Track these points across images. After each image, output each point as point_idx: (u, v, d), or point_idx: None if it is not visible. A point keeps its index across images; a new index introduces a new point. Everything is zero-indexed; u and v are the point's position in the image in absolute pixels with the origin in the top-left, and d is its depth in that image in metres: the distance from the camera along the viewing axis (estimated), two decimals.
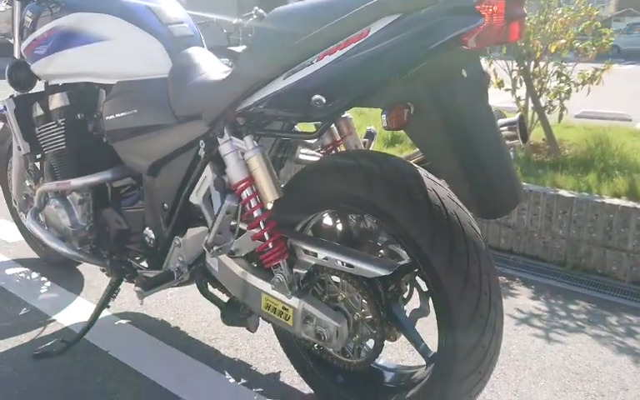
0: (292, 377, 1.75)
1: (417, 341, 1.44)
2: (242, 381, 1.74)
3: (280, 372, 1.79)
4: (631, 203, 2.74)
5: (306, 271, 1.40)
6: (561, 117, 3.74)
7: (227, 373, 1.77)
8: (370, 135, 1.70)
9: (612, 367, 1.93)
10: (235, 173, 1.37)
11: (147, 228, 1.72)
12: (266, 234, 1.39)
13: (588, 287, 2.60)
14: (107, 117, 1.71)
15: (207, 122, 1.41)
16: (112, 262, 1.82)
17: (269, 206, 1.39)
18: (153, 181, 1.65)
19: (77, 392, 1.64)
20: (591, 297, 2.50)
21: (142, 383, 1.70)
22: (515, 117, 1.40)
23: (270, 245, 1.39)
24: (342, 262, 1.33)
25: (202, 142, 1.46)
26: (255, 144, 1.35)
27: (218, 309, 2.10)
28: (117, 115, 1.68)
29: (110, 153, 1.78)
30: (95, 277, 2.42)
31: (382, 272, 1.27)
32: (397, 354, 1.89)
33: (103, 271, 1.93)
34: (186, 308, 2.19)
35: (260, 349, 1.92)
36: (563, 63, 3.69)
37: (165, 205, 1.64)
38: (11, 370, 1.74)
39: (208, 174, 1.48)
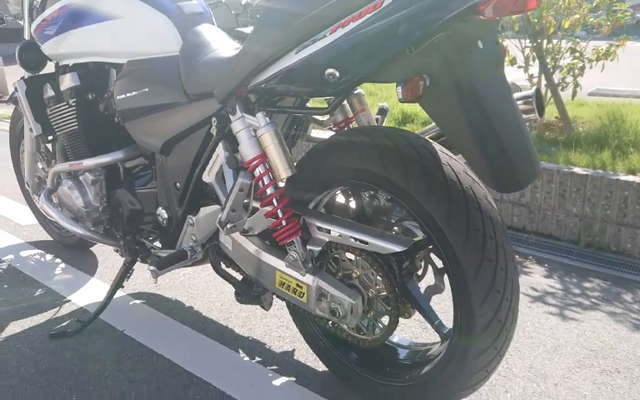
0: (306, 355, 1.76)
1: (431, 317, 1.43)
2: (257, 359, 1.74)
3: (294, 350, 1.80)
4: None
5: (320, 248, 1.39)
6: (574, 94, 3.69)
7: (241, 352, 1.78)
8: (383, 111, 1.68)
9: (628, 343, 1.92)
10: (247, 150, 1.36)
11: (160, 208, 1.72)
12: (279, 211, 1.38)
13: (602, 265, 2.58)
14: (118, 97, 1.70)
15: (218, 99, 1.40)
16: (126, 242, 1.83)
17: (282, 183, 1.38)
18: (166, 160, 1.65)
19: (93, 372, 1.66)
20: (605, 274, 2.48)
21: (158, 362, 1.71)
22: (531, 91, 1.37)
23: (283, 222, 1.39)
24: (356, 239, 1.32)
25: (214, 119, 1.45)
26: (267, 120, 1.33)
27: (231, 289, 2.12)
28: (128, 94, 1.67)
29: (122, 133, 1.77)
30: (108, 258, 2.44)
31: (396, 249, 1.26)
32: (410, 332, 1.89)
33: (117, 251, 1.94)
34: (199, 289, 2.19)
35: (274, 328, 1.92)
36: (577, 39, 3.62)
37: (177, 184, 1.64)
38: (27, 350, 1.76)
39: (220, 152, 1.47)
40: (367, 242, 1.30)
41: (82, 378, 1.63)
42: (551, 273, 2.50)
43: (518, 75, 4.08)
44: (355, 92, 1.59)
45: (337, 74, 1.15)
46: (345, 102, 1.61)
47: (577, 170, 2.85)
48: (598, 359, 1.82)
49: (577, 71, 3.59)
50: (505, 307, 1.24)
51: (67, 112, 1.83)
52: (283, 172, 1.33)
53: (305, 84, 1.24)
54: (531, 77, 3.80)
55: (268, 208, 1.41)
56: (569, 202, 2.82)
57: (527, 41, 3.69)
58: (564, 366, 1.77)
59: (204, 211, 1.61)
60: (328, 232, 1.37)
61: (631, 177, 2.75)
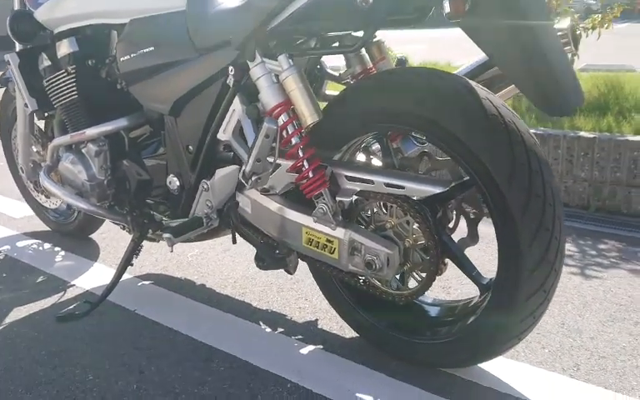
0: (330, 324, 1.67)
1: (469, 268, 1.36)
2: (279, 330, 1.65)
3: (317, 319, 1.71)
4: None
5: (350, 199, 1.31)
6: (572, 63, 3.65)
7: (261, 324, 1.69)
8: (402, 63, 1.61)
9: None
10: (270, 97, 1.28)
11: (170, 176, 1.62)
12: (305, 162, 1.30)
13: (615, 227, 2.54)
14: (121, 59, 1.60)
15: (235, 45, 1.31)
16: (134, 217, 1.72)
17: (307, 131, 1.30)
18: (176, 122, 1.55)
19: (108, 351, 1.55)
20: (619, 236, 2.44)
21: (175, 338, 1.61)
22: (566, 24, 1.31)
23: (310, 174, 1.30)
24: (391, 185, 1.24)
25: (230, 68, 1.36)
26: (290, 63, 1.25)
27: (244, 267, 2.04)
28: (132, 55, 1.57)
29: (125, 100, 1.67)
30: (110, 244, 2.33)
31: (437, 190, 1.19)
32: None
33: (123, 228, 1.83)
34: (209, 268, 2.10)
35: (292, 300, 1.83)
36: (572, 9, 3.59)
37: (190, 147, 1.54)
38: (35, 334, 1.65)
39: (237, 106, 1.38)
40: (403, 187, 1.23)
41: (96, 357, 1.52)
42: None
43: None
44: (374, 39, 1.51)
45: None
46: (363, 50, 1.53)
47: (583, 134, 2.81)
48: (629, 313, 1.76)
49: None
50: (554, 247, 1.17)
51: (66, 81, 1.72)
52: (310, 117, 1.25)
53: (333, 16, 1.16)
54: None
55: (290, 162, 1.32)
56: (577, 168, 2.78)
57: None
58: (597, 320, 1.71)
59: (220, 173, 1.51)
60: (360, 180, 1.29)
61: (639, 137, 2.71)
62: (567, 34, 1.29)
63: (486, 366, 1.43)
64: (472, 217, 1.39)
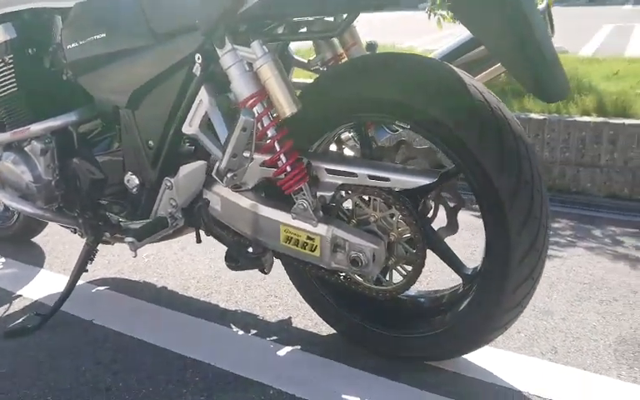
0: (305, 322, 1.61)
1: (451, 258, 1.33)
2: (252, 332, 1.57)
3: (290, 317, 1.64)
4: (601, 119, 2.76)
5: (331, 193, 1.25)
6: None
7: (232, 326, 1.60)
8: (372, 47, 1.55)
9: (615, 274, 1.93)
10: (243, 87, 1.18)
11: (128, 174, 1.49)
12: (283, 156, 1.22)
13: (565, 206, 2.62)
14: (67, 47, 1.45)
15: (203, 30, 1.20)
16: (86, 219, 1.58)
17: (283, 123, 1.22)
18: (134, 116, 1.42)
19: (67, 368, 1.42)
20: (570, 214, 2.51)
21: (141, 348, 1.50)
22: (543, 5, 1.29)
23: (288, 168, 1.22)
24: (375, 177, 1.18)
25: (197, 56, 1.25)
26: (265, 50, 1.16)
27: (205, 266, 1.93)
28: (80, 43, 1.43)
29: (73, 92, 1.53)
30: (55, 247, 2.15)
31: (426, 181, 1.14)
32: None
33: (75, 232, 1.68)
34: (168, 268, 1.98)
35: (261, 298, 1.75)
36: None
37: (150, 142, 1.42)
38: None
39: (204, 97, 1.28)
40: (388, 179, 1.17)
41: (54, 376, 1.39)
42: None
43: (457, 30, 4.08)
44: None
45: None
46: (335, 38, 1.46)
47: (534, 116, 2.87)
48: (593, 291, 1.80)
49: None
50: (542, 234, 1.15)
51: (3, 72, 1.55)
52: (287, 108, 1.17)
53: (308, 1, 1.08)
54: None
55: (265, 156, 1.24)
56: None
57: None
58: (565, 301, 1.73)
59: (185, 170, 1.40)
60: (341, 173, 1.22)
61: (586, 118, 2.79)
62: (545, 16, 1.28)
63: (467, 355, 1.41)
64: (451, 206, 1.36)
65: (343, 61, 1.47)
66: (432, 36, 6.38)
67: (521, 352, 1.47)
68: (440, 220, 1.36)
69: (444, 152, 1.16)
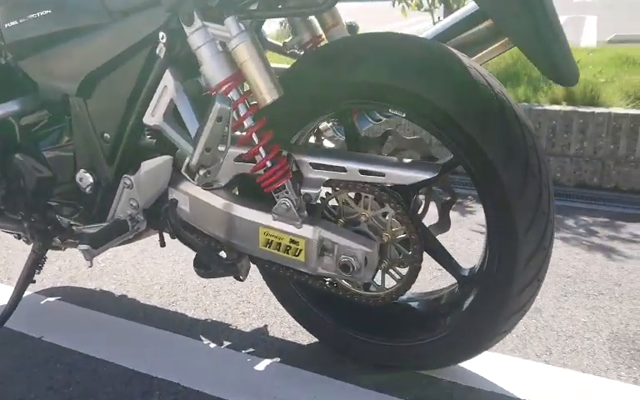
0: (282, 330, 1.47)
1: (445, 258, 1.22)
2: (225, 343, 1.42)
3: (266, 326, 1.50)
4: (571, 108, 2.73)
5: (317, 190, 1.11)
6: None
7: (204, 339, 1.45)
8: (352, 29, 1.41)
9: (595, 266, 1.88)
10: (216, 70, 1.03)
11: (81, 171, 1.31)
12: (262, 149, 1.07)
13: None
14: (6, 26, 1.25)
15: (167, 6, 1.04)
16: (32, 223, 1.39)
17: (262, 112, 1.07)
18: (86, 105, 1.24)
19: (13, 395, 1.24)
20: None
21: (99, 368, 1.33)
22: None
23: (268, 163, 1.08)
24: (368, 172, 1.06)
25: (161, 35, 1.08)
26: (241, 27, 1.01)
27: (169, 270, 1.77)
28: (20, 21, 1.24)
29: (12, 78, 1.33)
30: None
31: (425, 176, 1.02)
32: None
33: (20, 237, 1.49)
34: (127, 274, 1.80)
35: (233, 305, 1.61)
36: None
37: (106, 135, 1.25)
38: None
39: (169, 82, 1.12)
40: (382, 174, 1.05)
41: None
42: None
43: (422, 17, 4.02)
44: None
45: None
46: (314, 16, 1.32)
47: None
48: (578, 284, 1.75)
49: None
50: (549, 232, 1.06)
51: None
52: (268, 94, 1.02)
53: None
54: (439, 19, 3.74)
55: (240, 150, 1.10)
56: None
57: None
58: (552, 296, 1.67)
59: (147, 166, 1.24)
60: (328, 168, 1.09)
61: (556, 107, 2.76)
62: None
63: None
64: (444, 201, 1.25)
65: (323, 43, 1.34)
66: (394, 24, 6.32)
67: (515, 355, 1.38)
68: (430, 216, 1.25)
69: (443, 141, 1.04)
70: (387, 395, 1.22)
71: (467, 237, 2.12)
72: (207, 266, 1.24)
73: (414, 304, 1.29)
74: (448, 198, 1.23)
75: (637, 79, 3.11)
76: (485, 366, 1.31)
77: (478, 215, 2.34)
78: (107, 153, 1.26)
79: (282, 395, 1.22)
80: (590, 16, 8.94)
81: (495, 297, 1.09)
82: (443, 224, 1.24)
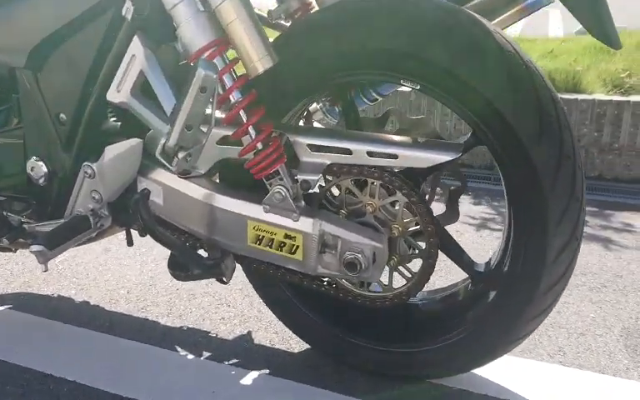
0: (269, 336, 1.31)
1: (457, 252, 1.08)
2: (205, 355, 1.25)
3: (249, 332, 1.34)
4: None
5: (317, 177, 0.95)
6: None
7: (180, 350, 1.27)
8: None
9: (592, 256, 1.80)
10: (196, 33, 0.86)
11: (32, 159, 1.11)
12: (251, 129, 0.91)
13: None
14: None
15: None
16: None
17: (252, 84, 0.90)
18: (36, 80, 1.05)
19: None
20: None
21: (60, 388, 1.14)
22: None
23: (259, 145, 0.91)
24: (377, 154, 0.91)
25: None
26: None
27: (136, 272, 1.59)
28: None
29: None
30: None
31: (446, 158, 0.88)
32: None
33: None
34: (89, 277, 1.60)
35: (211, 309, 1.43)
36: None
37: (62, 116, 1.06)
38: None
39: (138, 49, 0.93)
40: (395, 156, 0.90)
41: None
42: (479, 200, 2.36)
43: None
44: None
45: None
46: None
47: None
48: (579, 277, 1.65)
49: None
50: (582, 221, 0.93)
51: None
52: (259, 62, 0.86)
53: None
54: None
55: (225, 131, 0.93)
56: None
57: None
58: None
59: (112, 151, 1.05)
60: (330, 150, 0.93)
61: None
62: None
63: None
64: (452, 189, 1.11)
65: (315, 10, 1.18)
66: None
67: (527, 357, 1.26)
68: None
69: (463, 116, 0.90)
70: None
71: (456, 229, 2.00)
72: (184, 267, 1.07)
73: (421, 304, 1.15)
74: (457, 185, 1.10)
75: (613, 67, 3.07)
76: (497, 370, 1.18)
77: (467, 206, 2.23)
78: (63, 138, 1.07)
79: None
80: (553, 9, 9.04)
81: (518, 297, 0.96)
82: (452, 214, 1.10)
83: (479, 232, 1.98)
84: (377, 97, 1.25)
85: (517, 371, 1.20)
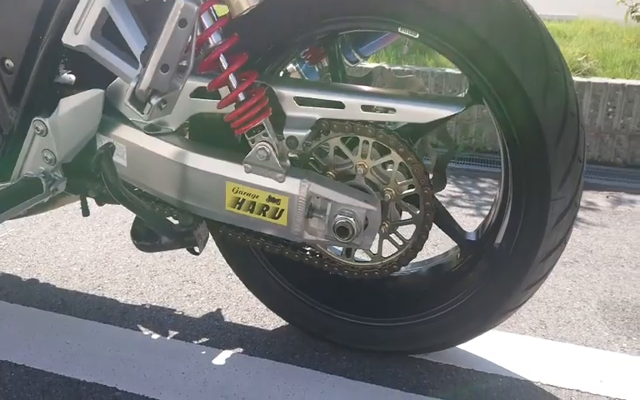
0: (240, 313, 1.22)
1: (447, 221, 1.02)
2: (173, 334, 1.15)
3: (219, 310, 1.24)
4: None
5: (305, 133, 0.86)
6: None
7: (142, 328, 1.16)
8: None
9: None
10: None
11: None
12: (232, 78, 0.81)
13: (486, 165, 2.49)
14: None
15: None
16: None
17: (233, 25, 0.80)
18: None
19: None
20: (492, 173, 2.38)
21: (3, 374, 1.01)
22: None
23: (241, 96, 0.82)
24: (375, 108, 0.83)
25: None
26: None
27: (90, 247, 1.46)
28: None
29: None
30: None
31: (449, 112, 0.81)
32: None
33: None
34: (37, 254, 1.45)
35: (175, 286, 1.33)
36: None
37: (8, 63, 0.92)
38: None
39: None
40: (392, 110, 0.82)
41: None
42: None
43: None
44: None
45: None
46: None
47: (450, 71, 2.69)
48: None
49: None
50: (582, 185, 0.88)
51: None
52: (244, 1, 0.76)
53: None
54: None
55: (200, 82, 0.83)
56: None
57: None
58: None
59: (68, 104, 0.93)
60: (319, 103, 0.85)
61: None
62: None
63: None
64: (440, 155, 1.05)
65: None
66: None
67: (510, 331, 1.22)
68: None
69: (464, 70, 0.84)
70: (382, 386, 1.01)
71: None
72: (151, 236, 0.96)
73: (407, 275, 1.08)
74: (446, 150, 1.04)
75: (570, 51, 3.11)
76: (482, 344, 1.14)
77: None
78: (9, 88, 0.94)
79: (252, 394, 0.98)
80: None
81: (513, 265, 0.91)
82: (439, 181, 1.04)
83: (454, 210, 1.95)
84: (359, 59, 1.17)
85: (501, 345, 1.16)
